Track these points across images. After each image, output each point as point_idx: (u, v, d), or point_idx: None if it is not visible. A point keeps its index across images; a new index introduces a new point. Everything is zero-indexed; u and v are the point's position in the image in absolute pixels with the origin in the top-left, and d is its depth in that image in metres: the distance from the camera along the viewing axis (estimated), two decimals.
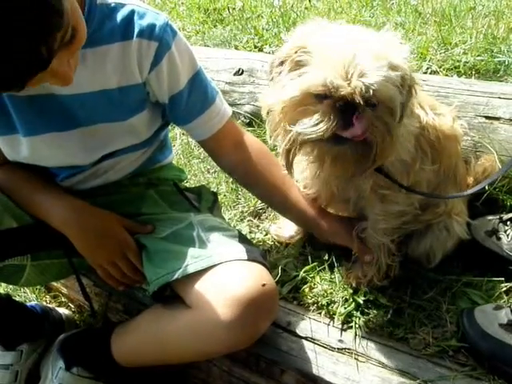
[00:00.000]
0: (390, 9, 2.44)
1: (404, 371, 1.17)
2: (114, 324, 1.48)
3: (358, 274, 1.35)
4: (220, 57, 2.25)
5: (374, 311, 1.30)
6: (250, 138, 1.41)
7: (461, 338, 1.21)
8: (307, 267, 1.43)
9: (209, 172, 1.98)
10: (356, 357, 1.22)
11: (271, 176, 1.37)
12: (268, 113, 1.13)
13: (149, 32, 1.14)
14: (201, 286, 1.14)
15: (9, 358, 1.47)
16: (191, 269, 1.15)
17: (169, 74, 1.19)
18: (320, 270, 1.42)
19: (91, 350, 1.36)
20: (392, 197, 1.24)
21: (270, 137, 1.16)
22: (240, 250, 1.18)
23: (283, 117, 1.08)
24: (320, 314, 1.33)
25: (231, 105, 1.85)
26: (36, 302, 1.73)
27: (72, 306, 1.75)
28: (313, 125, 1.02)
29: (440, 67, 1.88)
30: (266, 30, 2.59)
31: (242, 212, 1.75)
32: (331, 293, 1.35)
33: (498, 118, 1.52)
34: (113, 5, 1.14)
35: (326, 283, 1.38)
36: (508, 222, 1.41)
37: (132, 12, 1.14)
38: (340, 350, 1.24)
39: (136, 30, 1.13)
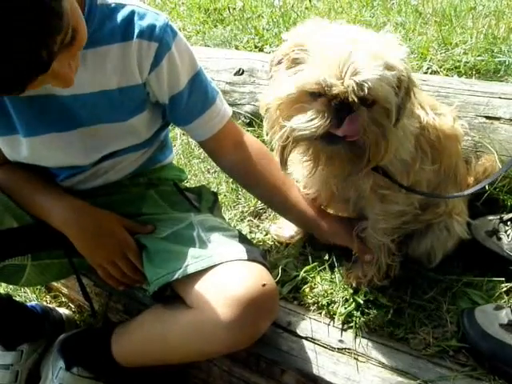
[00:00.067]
0: (391, 9, 2.44)
1: (404, 371, 1.17)
2: (114, 324, 1.48)
3: (358, 274, 1.35)
4: (220, 57, 2.25)
5: (375, 311, 1.30)
6: (249, 138, 1.41)
7: (461, 338, 1.21)
8: (307, 267, 1.42)
9: (209, 172, 1.98)
10: (356, 357, 1.22)
11: (271, 176, 1.37)
12: (266, 110, 1.13)
13: (149, 33, 1.14)
14: (201, 286, 1.14)
15: (9, 358, 1.47)
16: (191, 269, 1.15)
17: (169, 74, 1.19)
18: (320, 270, 1.42)
19: (91, 350, 1.36)
20: (392, 197, 1.24)
21: (267, 134, 1.16)
22: (240, 250, 1.18)
23: (279, 114, 1.09)
24: (320, 314, 1.33)
25: (231, 105, 1.85)
26: (36, 302, 1.73)
27: (72, 306, 1.75)
28: (306, 121, 1.02)
29: (440, 67, 1.88)
30: (267, 30, 2.58)
31: (242, 212, 1.75)
32: (331, 293, 1.35)
33: (498, 118, 1.52)
34: (113, 5, 1.14)
35: (326, 283, 1.38)
36: (508, 222, 1.41)
37: (132, 12, 1.14)
38: (340, 350, 1.24)
39: (136, 31, 1.13)
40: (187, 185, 1.75)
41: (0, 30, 0.74)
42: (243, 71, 2.11)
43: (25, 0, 0.74)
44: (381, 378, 1.17)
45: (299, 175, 1.36)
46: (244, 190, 1.74)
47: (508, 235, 1.38)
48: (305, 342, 1.27)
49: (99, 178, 1.35)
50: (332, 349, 1.25)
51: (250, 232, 1.65)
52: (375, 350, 1.23)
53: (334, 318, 1.31)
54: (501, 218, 1.42)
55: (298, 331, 1.29)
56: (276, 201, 1.44)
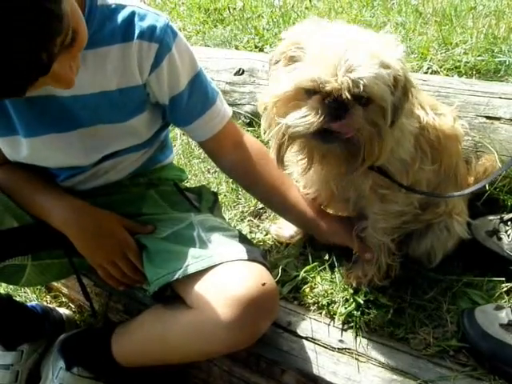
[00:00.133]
0: (391, 9, 2.44)
1: (404, 371, 1.17)
2: (114, 324, 1.48)
3: (358, 274, 1.35)
4: (220, 57, 2.25)
5: (375, 311, 1.30)
6: (249, 138, 1.41)
7: (461, 338, 1.21)
8: (308, 267, 1.42)
9: (209, 172, 1.98)
10: (356, 357, 1.22)
11: (270, 176, 1.38)
12: (264, 109, 1.14)
13: (149, 33, 1.13)
14: (201, 286, 1.14)
15: (9, 358, 1.47)
16: (192, 269, 1.15)
17: (169, 75, 1.19)
18: (320, 270, 1.42)
19: (92, 350, 1.36)
20: (391, 196, 1.24)
21: (264, 132, 1.16)
22: (240, 250, 1.18)
23: (276, 111, 1.09)
24: (320, 314, 1.33)
25: (232, 105, 1.86)
26: (36, 302, 1.73)
27: (72, 306, 1.75)
28: (300, 118, 1.03)
29: (441, 67, 1.88)
30: (267, 30, 2.58)
31: (243, 212, 1.75)
32: (332, 293, 1.35)
33: (498, 118, 1.52)
34: (113, 6, 1.14)
35: (326, 283, 1.38)
36: (509, 222, 1.40)
37: (132, 13, 1.14)
38: (340, 350, 1.24)
39: (136, 32, 1.13)
40: (187, 185, 1.75)
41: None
42: (243, 71, 2.11)
43: (24, 2, 0.74)
44: (381, 378, 1.17)
45: (299, 175, 1.36)
46: (244, 190, 1.74)
47: (508, 235, 1.38)
48: (305, 341, 1.27)
49: (99, 178, 1.35)
50: (332, 349, 1.25)
51: (250, 232, 1.65)
52: (375, 349, 1.23)
53: (334, 318, 1.31)
54: (501, 218, 1.42)
55: (299, 331, 1.29)
56: (275, 201, 1.44)
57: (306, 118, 1.02)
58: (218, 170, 1.90)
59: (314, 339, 1.27)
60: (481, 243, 1.40)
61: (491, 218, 1.44)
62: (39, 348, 1.50)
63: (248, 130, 1.93)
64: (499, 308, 1.21)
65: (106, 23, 1.12)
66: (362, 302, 1.30)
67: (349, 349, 1.24)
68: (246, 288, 1.08)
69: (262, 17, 2.78)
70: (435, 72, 1.88)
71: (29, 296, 1.81)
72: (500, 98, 1.55)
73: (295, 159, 1.22)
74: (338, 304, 1.33)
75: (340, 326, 1.29)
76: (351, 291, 1.34)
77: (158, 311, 1.25)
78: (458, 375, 1.14)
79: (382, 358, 1.21)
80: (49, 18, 0.77)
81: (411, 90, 1.09)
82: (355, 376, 1.19)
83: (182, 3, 3.44)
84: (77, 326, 1.67)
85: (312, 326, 1.30)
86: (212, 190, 1.66)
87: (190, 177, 1.92)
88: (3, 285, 1.79)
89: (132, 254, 1.28)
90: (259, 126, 1.94)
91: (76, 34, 0.88)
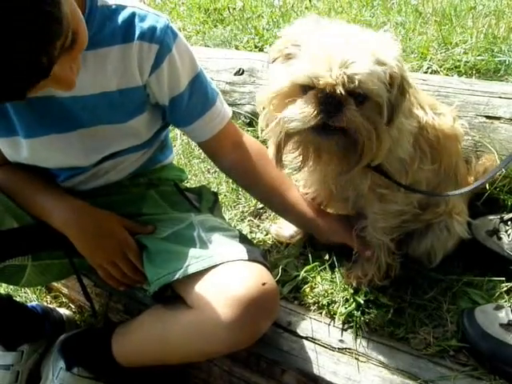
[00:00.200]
0: (391, 8, 2.44)
1: (405, 371, 1.17)
2: (114, 324, 1.48)
3: (358, 274, 1.35)
4: (220, 57, 2.25)
5: (375, 311, 1.30)
6: (249, 138, 1.41)
7: (461, 337, 1.21)
8: (308, 267, 1.43)
9: (209, 172, 1.98)
10: (357, 357, 1.22)
11: (270, 176, 1.38)
12: (263, 108, 1.14)
13: (150, 34, 1.13)
14: (201, 286, 1.14)
15: (9, 359, 1.47)
16: (192, 269, 1.15)
17: (169, 76, 1.19)
18: (321, 270, 1.42)
19: (92, 350, 1.36)
20: (391, 196, 1.24)
21: (262, 130, 1.17)
22: (240, 250, 1.18)
23: (273, 108, 1.10)
24: (321, 313, 1.33)
25: (231, 105, 1.86)
26: (37, 303, 1.73)
27: (72, 307, 1.75)
28: (296, 112, 1.03)
29: (440, 67, 1.88)
30: (267, 30, 2.58)
31: (243, 212, 1.75)
32: (332, 293, 1.36)
33: (498, 118, 1.52)
34: (114, 7, 1.14)
35: (326, 283, 1.38)
36: (509, 222, 1.40)
37: (133, 14, 1.14)
38: (341, 350, 1.24)
39: (137, 33, 1.13)
40: (187, 185, 1.75)
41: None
42: (243, 71, 2.11)
43: (23, 5, 0.73)
44: (381, 377, 1.17)
45: (297, 174, 1.36)
46: (244, 190, 1.75)
47: (508, 235, 1.38)
48: (305, 341, 1.27)
49: (100, 178, 1.35)
50: (332, 349, 1.25)
51: (251, 232, 1.65)
52: (376, 349, 1.23)
53: (334, 318, 1.31)
54: (501, 218, 1.42)
55: (299, 331, 1.29)
56: (275, 201, 1.44)
57: (301, 112, 1.02)
58: (218, 170, 1.89)
59: (315, 339, 1.27)
60: (481, 243, 1.40)
61: (491, 217, 1.44)
62: (39, 348, 1.50)
63: (248, 130, 1.93)
64: (499, 308, 1.21)
65: (106, 24, 1.12)
66: (362, 301, 1.30)
67: (349, 349, 1.24)
68: (246, 288, 1.08)
69: (262, 17, 2.78)
70: (435, 72, 1.88)
71: (29, 296, 1.81)
72: (500, 97, 1.55)
73: (292, 159, 1.22)
74: (338, 304, 1.33)
75: (340, 326, 1.29)
76: (351, 291, 1.34)
77: (159, 311, 1.25)
78: (458, 375, 1.14)
79: (382, 358, 1.21)
80: (48, 21, 0.76)
81: (409, 90, 1.09)
82: (355, 376, 1.19)
83: (182, 3, 3.44)
84: (77, 326, 1.67)
85: (312, 325, 1.30)
86: (212, 190, 1.66)
87: (190, 177, 1.92)
88: (3, 285, 1.79)
89: (132, 254, 1.28)
90: None
91: (76, 36, 0.88)
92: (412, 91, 1.15)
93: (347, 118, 1.01)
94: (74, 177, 1.33)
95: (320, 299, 1.35)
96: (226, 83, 2.12)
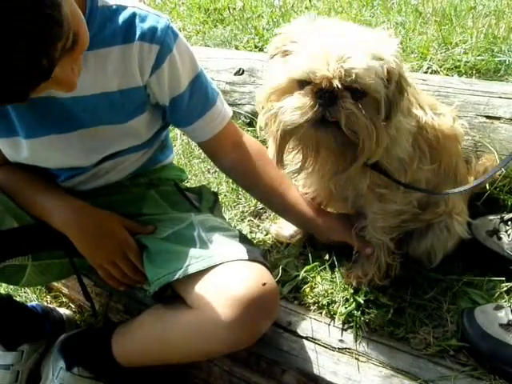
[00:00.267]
0: (391, 8, 2.44)
1: (405, 371, 1.17)
2: (114, 324, 1.49)
3: (358, 274, 1.35)
4: (220, 57, 2.25)
5: (375, 311, 1.30)
6: (249, 138, 1.42)
7: (461, 337, 1.21)
8: (308, 267, 1.43)
9: (209, 172, 1.98)
10: (357, 357, 1.22)
11: (270, 176, 1.38)
12: (263, 107, 1.14)
13: (150, 35, 1.13)
14: (202, 286, 1.14)
15: (10, 359, 1.47)
16: (192, 269, 1.15)
17: (170, 76, 1.19)
18: (321, 270, 1.42)
19: (92, 350, 1.36)
20: (390, 196, 1.24)
21: (261, 129, 1.17)
22: (241, 250, 1.18)
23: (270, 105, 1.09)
24: (321, 313, 1.33)
25: (232, 105, 1.86)
26: (37, 303, 1.73)
27: (73, 306, 1.75)
28: (293, 106, 1.03)
29: (440, 67, 1.88)
30: (267, 30, 2.58)
31: (243, 212, 1.75)
32: (332, 293, 1.36)
33: (498, 118, 1.52)
34: (114, 7, 1.14)
35: (326, 283, 1.38)
36: (509, 222, 1.40)
37: (133, 15, 1.14)
38: (341, 350, 1.24)
39: (137, 33, 1.13)
40: (187, 185, 1.75)
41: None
42: (243, 71, 2.11)
43: (23, 5, 0.73)
44: (381, 377, 1.17)
45: (297, 174, 1.36)
46: (244, 190, 1.75)
47: (508, 235, 1.38)
48: (305, 341, 1.27)
49: (100, 178, 1.36)
50: (332, 348, 1.25)
51: (251, 232, 1.65)
52: (376, 349, 1.23)
53: (334, 318, 1.31)
54: (501, 218, 1.42)
55: (299, 331, 1.29)
56: (275, 201, 1.44)
57: (298, 106, 1.03)
58: (218, 170, 1.89)
59: (315, 339, 1.27)
60: (481, 243, 1.40)
61: (491, 217, 1.44)
62: (39, 348, 1.50)
63: (248, 130, 1.92)
64: (499, 308, 1.21)
65: (106, 24, 1.12)
66: (362, 301, 1.30)
67: (349, 348, 1.24)
68: (246, 288, 1.08)
69: (262, 17, 2.78)
70: (435, 72, 1.88)
71: (29, 296, 1.81)
72: (500, 97, 1.55)
73: (292, 158, 1.21)
74: (338, 304, 1.33)
75: (340, 326, 1.29)
76: (351, 291, 1.34)
77: (159, 311, 1.25)
78: (458, 375, 1.15)
79: (382, 358, 1.21)
80: (49, 24, 0.76)
81: (407, 88, 1.09)
82: (355, 376, 1.19)
83: (182, 3, 3.44)
84: (77, 326, 1.67)
85: (312, 325, 1.30)
86: (212, 189, 1.67)
87: (190, 177, 1.92)
88: (3, 285, 1.79)
89: (132, 254, 1.28)
90: None
91: (77, 37, 0.87)
92: (411, 91, 1.15)
93: (344, 110, 1.01)
94: (74, 177, 1.33)
95: (320, 299, 1.35)
96: (226, 83, 2.12)
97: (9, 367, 1.46)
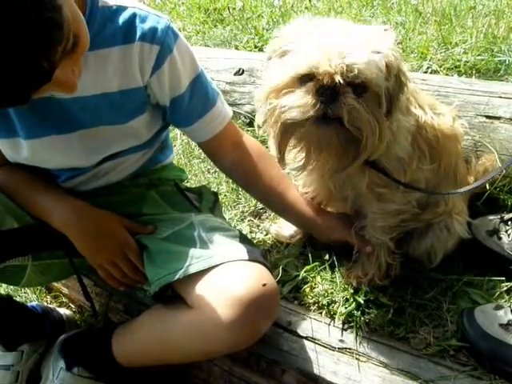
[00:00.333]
0: (391, 8, 2.44)
1: (405, 371, 1.17)
2: (114, 324, 1.49)
3: (358, 274, 1.35)
4: (220, 57, 2.25)
5: (375, 311, 1.30)
6: (248, 138, 1.42)
7: (461, 337, 1.21)
8: (308, 267, 1.43)
9: (209, 172, 1.98)
10: (357, 356, 1.22)
11: (270, 176, 1.38)
12: (261, 106, 1.14)
13: (150, 35, 1.13)
14: (202, 287, 1.14)
15: (10, 359, 1.47)
16: (193, 269, 1.15)
17: (170, 77, 1.19)
18: (321, 270, 1.42)
19: (92, 350, 1.36)
20: (389, 195, 1.24)
21: (259, 127, 1.17)
22: (241, 250, 1.18)
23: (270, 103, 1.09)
24: (321, 313, 1.34)
25: (232, 105, 1.86)
26: (37, 303, 1.73)
27: (73, 307, 1.75)
28: (294, 102, 1.03)
29: (440, 66, 1.88)
30: (267, 30, 2.58)
31: (243, 212, 1.75)
32: (332, 292, 1.36)
33: (498, 118, 1.52)
34: (114, 7, 1.14)
35: (326, 283, 1.38)
36: (509, 222, 1.41)
37: (134, 15, 1.14)
38: (341, 350, 1.24)
39: (138, 34, 1.13)
40: (187, 185, 1.75)
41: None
42: (243, 71, 2.11)
43: (23, 6, 0.73)
44: (381, 377, 1.18)
45: (298, 173, 1.36)
46: (244, 190, 1.75)
47: (508, 235, 1.38)
48: (305, 341, 1.27)
49: (100, 179, 1.36)
50: (332, 348, 1.25)
51: (251, 232, 1.66)
52: (376, 349, 1.23)
53: (334, 318, 1.31)
54: (501, 218, 1.42)
55: (299, 331, 1.29)
56: (275, 201, 1.44)
57: (300, 103, 1.03)
58: (218, 170, 1.89)
59: (315, 339, 1.27)
60: (481, 243, 1.40)
61: (491, 217, 1.44)
62: (39, 348, 1.50)
63: (248, 130, 1.93)
64: (499, 308, 1.21)
65: (107, 25, 1.12)
66: (362, 301, 1.30)
67: (349, 348, 1.24)
68: (246, 288, 1.08)
69: (262, 17, 2.78)
70: (435, 71, 1.88)
71: (29, 296, 1.81)
72: (500, 97, 1.55)
73: (294, 157, 1.21)
74: (338, 304, 1.33)
75: (340, 326, 1.29)
76: (351, 291, 1.34)
77: (159, 311, 1.25)
78: (459, 375, 1.15)
79: (382, 358, 1.21)
80: (49, 27, 0.76)
81: (406, 82, 1.09)
82: (356, 376, 1.19)
83: (182, 3, 3.44)
84: (77, 326, 1.67)
85: (312, 325, 1.30)
86: (212, 190, 1.67)
87: (190, 177, 1.92)
88: (3, 285, 1.79)
89: (132, 254, 1.28)
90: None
91: (77, 39, 0.87)
92: (411, 90, 1.15)
93: (346, 106, 1.01)
94: (75, 177, 1.34)
95: (320, 299, 1.35)
96: (226, 83, 2.12)
97: (9, 367, 1.46)
